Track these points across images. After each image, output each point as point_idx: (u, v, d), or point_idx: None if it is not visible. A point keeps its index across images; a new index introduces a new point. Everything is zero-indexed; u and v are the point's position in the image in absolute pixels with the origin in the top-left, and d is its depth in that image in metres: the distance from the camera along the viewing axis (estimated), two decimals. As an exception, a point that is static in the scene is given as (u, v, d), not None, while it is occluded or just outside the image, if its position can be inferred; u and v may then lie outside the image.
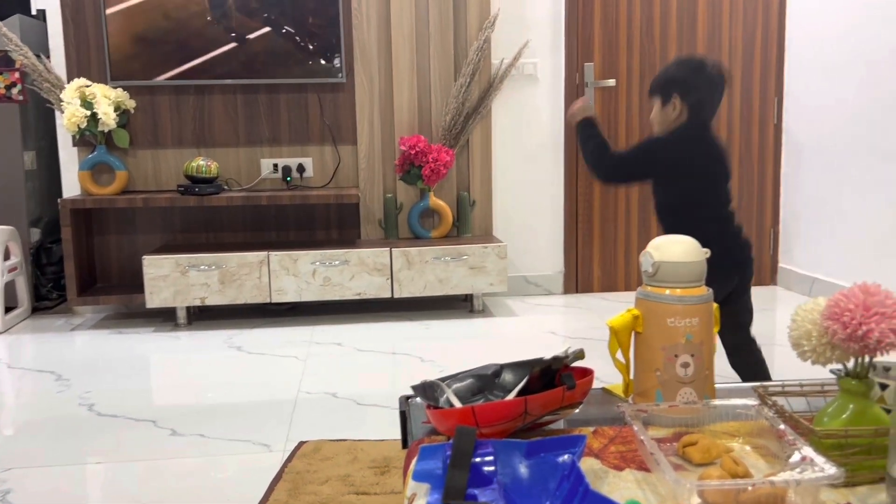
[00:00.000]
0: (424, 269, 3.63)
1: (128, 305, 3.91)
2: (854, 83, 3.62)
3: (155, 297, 3.51)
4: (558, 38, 4.03)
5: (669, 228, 2.23)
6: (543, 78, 4.04)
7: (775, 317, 3.74)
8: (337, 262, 3.57)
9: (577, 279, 4.20)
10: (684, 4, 4.09)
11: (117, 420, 2.48)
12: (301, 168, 3.90)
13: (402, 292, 3.63)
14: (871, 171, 3.53)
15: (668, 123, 2.23)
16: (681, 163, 2.20)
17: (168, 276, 3.50)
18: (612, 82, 4.06)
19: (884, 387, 1.17)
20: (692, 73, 2.22)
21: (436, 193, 3.91)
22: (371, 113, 3.88)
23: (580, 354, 1.26)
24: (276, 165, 3.90)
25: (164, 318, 3.78)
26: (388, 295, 3.63)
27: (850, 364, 1.12)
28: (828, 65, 3.81)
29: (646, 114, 4.12)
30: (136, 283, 3.78)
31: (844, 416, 1.09)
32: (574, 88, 4.05)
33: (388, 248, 3.61)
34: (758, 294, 4.13)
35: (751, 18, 4.14)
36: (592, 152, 2.31)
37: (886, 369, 1.18)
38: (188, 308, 3.65)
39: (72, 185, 3.82)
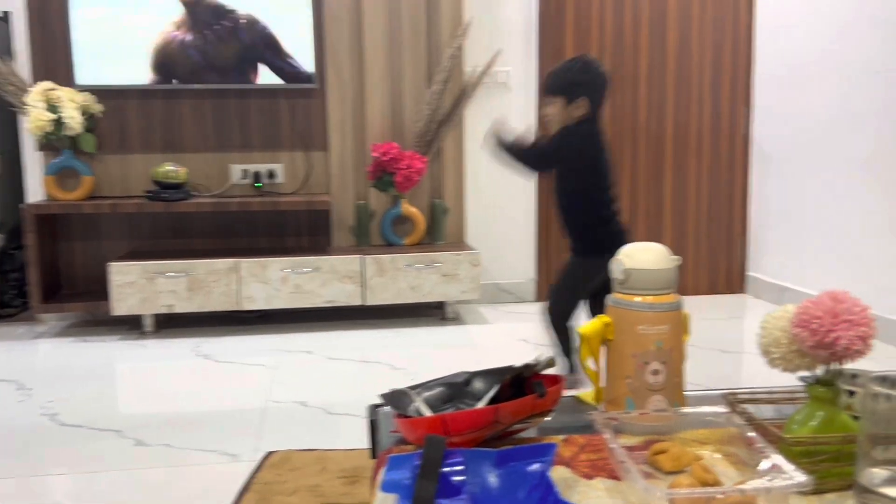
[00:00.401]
0: (396, 276, 3.61)
1: (93, 313, 3.83)
2: (820, 94, 3.67)
3: (121, 305, 3.45)
4: (531, 46, 4.04)
5: (568, 210, 2.59)
6: (516, 86, 4.05)
7: (744, 325, 3.77)
8: (308, 270, 3.54)
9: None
10: (655, 16, 4.13)
11: (81, 430, 2.42)
12: (271, 174, 3.86)
13: (374, 300, 3.61)
14: (837, 181, 3.58)
15: (570, 120, 2.52)
16: (583, 153, 2.53)
17: (135, 283, 3.44)
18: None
19: (852, 394, 1.17)
20: (596, 77, 2.53)
21: (408, 200, 3.89)
22: (343, 119, 3.86)
23: (551, 362, 1.25)
24: (245, 171, 3.86)
25: (131, 325, 3.72)
26: (359, 302, 3.60)
27: (819, 371, 1.12)
28: (795, 76, 3.87)
29: (617, 122, 4.15)
30: (101, 291, 3.71)
31: (813, 423, 1.09)
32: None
33: (359, 256, 3.59)
34: (727, 302, 4.19)
35: (720, 29, 4.19)
36: (517, 155, 2.60)
37: (854, 376, 1.19)
38: (155, 315, 3.59)
39: (36, 189, 3.75)
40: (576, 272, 2.62)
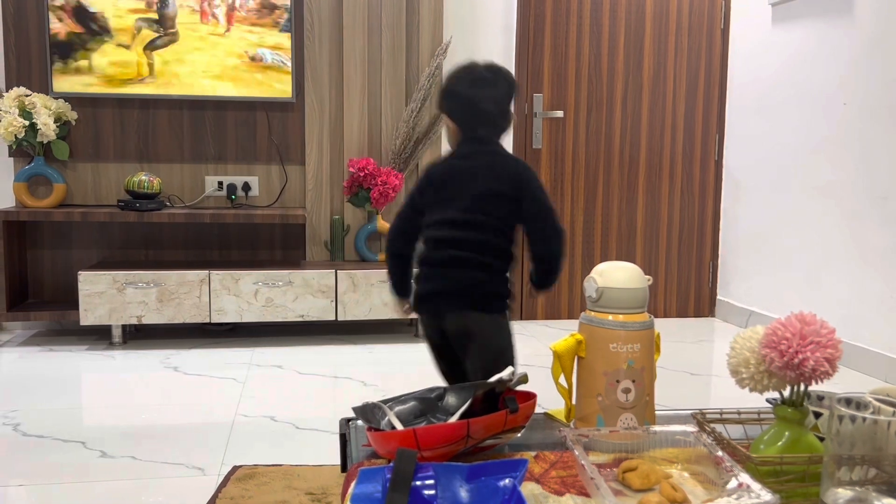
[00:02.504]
0: (370, 291, 3.60)
1: (61, 322, 3.78)
2: (789, 123, 3.75)
3: (89, 315, 3.40)
4: (509, 68, 4.09)
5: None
6: (493, 106, 4.08)
7: (713, 348, 3.81)
8: (280, 283, 3.52)
9: (521, 306, 4.22)
10: (631, 42, 4.20)
11: (44, 441, 2.38)
12: (247, 187, 3.84)
13: (347, 315, 3.60)
14: (803, 207, 3.65)
15: (452, 141, 1.96)
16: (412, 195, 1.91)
17: (104, 293, 3.40)
18: (559, 114, 4.13)
19: (818, 415, 1.19)
20: (457, 84, 1.89)
21: (384, 216, 3.90)
22: (320, 134, 3.86)
23: (524, 378, 1.26)
24: (220, 183, 3.84)
25: (99, 336, 3.66)
26: (331, 317, 3.59)
27: (787, 392, 1.14)
28: (766, 105, 3.95)
29: (592, 145, 4.20)
30: (70, 300, 3.66)
31: (780, 443, 1.11)
32: (523, 118, 4.10)
33: (333, 270, 3.58)
34: (696, 325, 4.24)
35: (695, 58, 4.27)
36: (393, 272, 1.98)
37: (820, 398, 1.21)
38: (124, 326, 3.54)
39: (6, 196, 3.69)
40: None
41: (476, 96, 1.85)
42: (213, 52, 3.68)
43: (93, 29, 3.54)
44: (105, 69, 3.61)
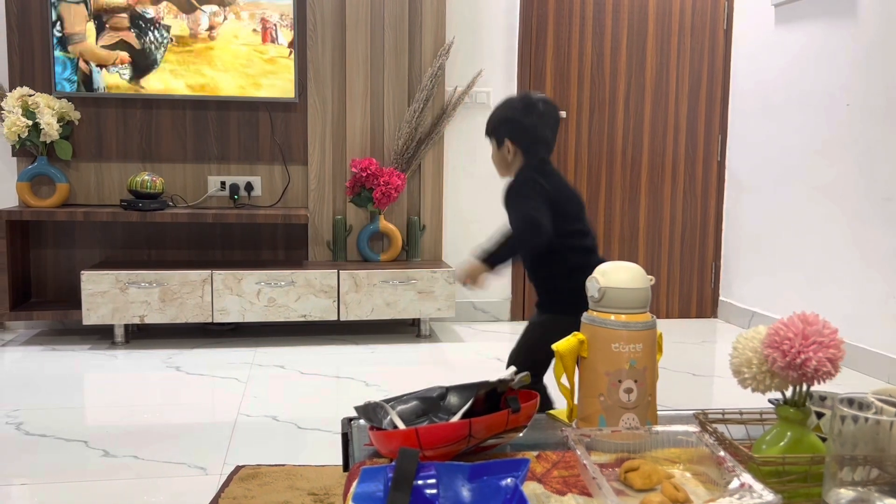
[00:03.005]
0: (372, 292, 3.60)
1: (63, 322, 3.78)
2: (792, 124, 3.75)
3: (92, 314, 3.41)
4: (511, 68, 4.09)
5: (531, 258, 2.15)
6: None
7: (715, 348, 3.81)
8: (283, 283, 3.52)
9: (524, 306, 4.22)
10: (634, 43, 4.20)
11: (46, 440, 2.38)
12: (249, 186, 3.85)
13: (349, 315, 3.60)
14: (805, 208, 3.65)
15: (508, 166, 2.17)
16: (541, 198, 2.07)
17: (107, 293, 3.40)
18: (562, 114, 4.12)
19: (820, 415, 1.19)
20: (520, 114, 2.14)
21: (386, 217, 3.90)
22: (323, 134, 3.87)
23: (526, 378, 1.26)
24: (223, 183, 3.84)
25: (101, 335, 3.67)
26: (334, 318, 3.59)
27: (789, 392, 1.14)
28: (768, 105, 3.95)
29: (595, 146, 4.20)
30: (73, 299, 3.67)
31: (782, 443, 1.11)
32: (525, 118, 4.10)
33: (335, 270, 3.58)
34: (699, 326, 4.23)
35: (697, 59, 4.27)
36: (512, 248, 2.16)
37: (822, 399, 1.20)
38: (126, 326, 3.55)
39: (9, 195, 3.70)
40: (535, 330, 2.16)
41: (540, 126, 2.16)
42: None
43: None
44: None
